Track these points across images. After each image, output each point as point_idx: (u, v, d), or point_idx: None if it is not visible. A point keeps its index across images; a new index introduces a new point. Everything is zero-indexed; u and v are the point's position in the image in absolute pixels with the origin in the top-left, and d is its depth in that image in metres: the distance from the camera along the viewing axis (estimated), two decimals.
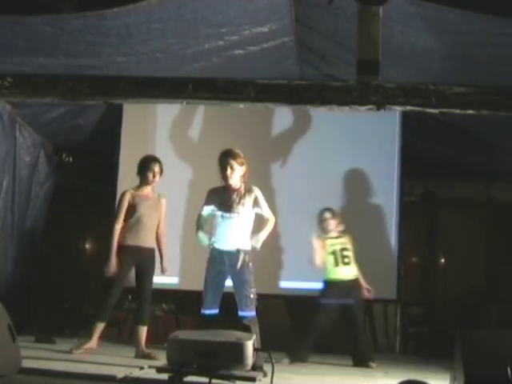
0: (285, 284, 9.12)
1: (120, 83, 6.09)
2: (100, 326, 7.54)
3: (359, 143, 9.10)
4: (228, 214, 6.90)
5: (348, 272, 7.93)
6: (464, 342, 5.23)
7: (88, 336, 7.51)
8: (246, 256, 6.82)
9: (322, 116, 8.81)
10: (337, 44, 7.59)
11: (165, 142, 9.38)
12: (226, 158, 6.92)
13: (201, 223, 7.00)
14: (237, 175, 6.90)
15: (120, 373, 6.14)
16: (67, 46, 6.87)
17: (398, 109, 6.16)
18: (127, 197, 7.73)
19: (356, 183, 8.97)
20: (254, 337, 5.55)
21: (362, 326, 7.97)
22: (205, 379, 5.17)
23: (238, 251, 6.81)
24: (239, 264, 6.79)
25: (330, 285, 7.94)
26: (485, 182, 9.70)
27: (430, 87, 5.69)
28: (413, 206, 9.61)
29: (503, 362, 4.93)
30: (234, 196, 6.92)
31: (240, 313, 6.76)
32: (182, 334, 5.51)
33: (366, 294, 7.95)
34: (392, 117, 8.78)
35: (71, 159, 10.02)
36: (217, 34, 7.21)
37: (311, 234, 8.08)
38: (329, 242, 7.97)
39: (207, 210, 6.98)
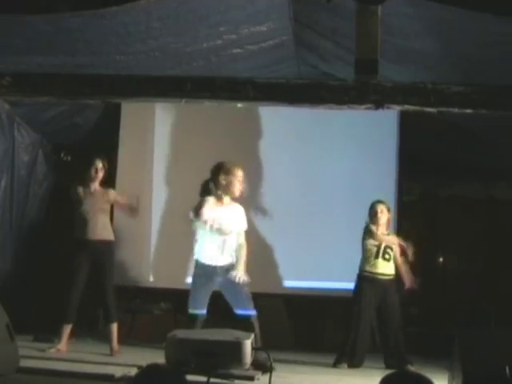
0: (287, 283, 9.12)
1: (119, 82, 6.09)
2: (67, 328, 7.58)
3: (357, 142, 9.09)
4: (222, 230, 6.93)
5: (386, 268, 7.80)
6: (462, 342, 5.23)
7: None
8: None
9: (319, 115, 8.79)
10: (335, 43, 7.59)
11: (163, 141, 9.37)
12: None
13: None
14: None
15: (118, 372, 6.15)
16: (66, 44, 6.86)
17: (397, 108, 6.16)
18: (76, 190, 7.87)
19: (354, 182, 8.96)
20: (253, 336, 5.55)
21: (396, 328, 7.78)
22: (203, 378, 5.17)
23: (231, 264, 6.87)
24: (233, 272, 6.84)
25: (366, 279, 7.79)
26: (484, 181, 9.69)
27: (428, 86, 5.69)
28: (412, 205, 9.59)
29: (501, 362, 4.93)
30: (229, 211, 6.97)
31: (243, 311, 6.78)
32: (181, 333, 5.53)
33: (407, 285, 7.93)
34: (390, 116, 8.77)
35: (69, 158, 10.01)
36: (215, 33, 7.20)
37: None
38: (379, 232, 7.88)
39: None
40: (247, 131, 9.23)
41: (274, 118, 8.96)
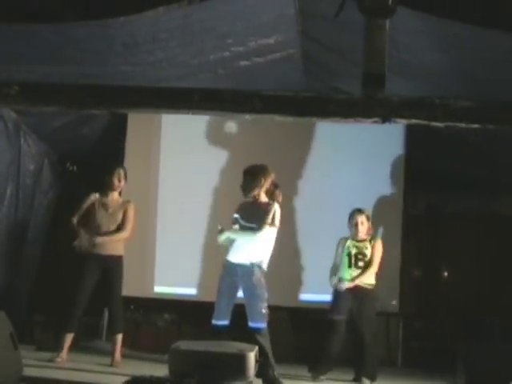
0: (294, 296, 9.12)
1: (125, 92, 6.09)
2: (69, 337, 7.57)
3: (363, 156, 9.09)
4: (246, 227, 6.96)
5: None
6: (466, 356, 5.23)
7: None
8: (259, 270, 6.84)
9: (325, 129, 8.82)
10: (342, 57, 7.59)
11: (169, 152, 9.39)
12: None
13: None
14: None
15: (118, 383, 6.14)
16: (72, 54, 6.87)
17: (404, 122, 6.15)
18: (92, 198, 7.82)
19: (359, 196, 8.95)
20: (256, 348, 5.54)
21: (368, 339, 7.62)
22: None
23: (252, 265, 6.84)
24: (252, 278, 6.82)
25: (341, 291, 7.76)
26: (488, 195, 9.69)
27: (435, 101, 5.68)
28: (416, 219, 9.59)
29: (505, 376, 4.93)
30: (253, 209, 6.98)
31: (251, 324, 6.75)
32: (184, 345, 5.51)
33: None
34: (397, 130, 8.77)
35: (75, 168, 10.02)
36: (222, 45, 7.22)
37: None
38: (349, 242, 7.84)
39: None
40: (252, 143, 9.22)
41: (279, 131, 8.94)
